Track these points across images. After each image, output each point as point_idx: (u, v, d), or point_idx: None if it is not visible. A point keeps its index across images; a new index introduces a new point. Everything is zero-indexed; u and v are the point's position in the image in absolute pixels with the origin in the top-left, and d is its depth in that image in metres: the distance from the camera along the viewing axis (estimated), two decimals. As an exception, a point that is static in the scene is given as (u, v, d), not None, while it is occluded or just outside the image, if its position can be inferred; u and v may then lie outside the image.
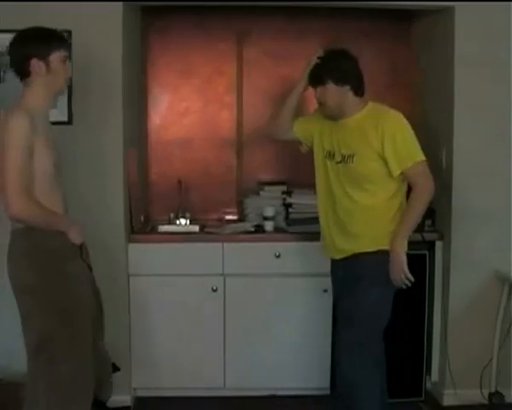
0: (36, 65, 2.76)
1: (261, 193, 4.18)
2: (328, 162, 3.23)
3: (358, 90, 3.16)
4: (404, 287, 3.09)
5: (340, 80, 3.12)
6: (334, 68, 3.15)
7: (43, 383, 2.76)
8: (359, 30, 4.24)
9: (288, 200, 4.05)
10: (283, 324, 3.89)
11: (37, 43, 2.77)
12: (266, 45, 4.38)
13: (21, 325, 2.80)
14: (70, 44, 2.89)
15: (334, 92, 3.14)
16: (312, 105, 3.44)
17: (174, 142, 4.43)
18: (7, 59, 2.91)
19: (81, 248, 2.89)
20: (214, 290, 3.85)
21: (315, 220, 3.95)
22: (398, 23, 4.32)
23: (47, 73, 2.78)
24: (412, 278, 3.06)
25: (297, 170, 4.41)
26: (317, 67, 3.25)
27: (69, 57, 2.90)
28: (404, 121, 3.11)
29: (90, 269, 2.97)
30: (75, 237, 2.83)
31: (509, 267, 3.74)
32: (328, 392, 3.96)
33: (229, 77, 4.41)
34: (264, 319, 3.89)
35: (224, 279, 3.86)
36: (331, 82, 3.13)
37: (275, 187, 4.19)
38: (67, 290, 2.77)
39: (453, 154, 3.78)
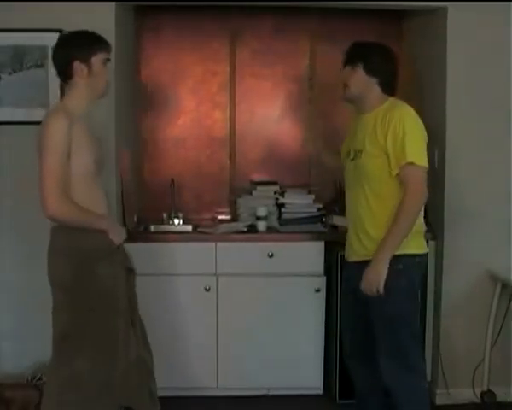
0: (78, 67, 2.79)
1: (254, 193, 4.17)
2: (348, 161, 3.15)
3: (387, 88, 3.07)
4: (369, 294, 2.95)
5: (370, 70, 3.04)
6: (369, 56, 3.06)
7: (56, 378, 2.78)
8: (351, 29, 4.21)
9: (281, 200, 4.06)
10: (276, 323, 3.89)
11: (79, 45, 2.81)
12: (259, 45, 4.39)
13: (52, 315, 2.83)
14: (110, 46, 2.91)
15: (361, 79, 3.05)
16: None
17: (167, 141, 4.43)
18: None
19: (119, 249, 2.90)
20: (207, 290, 3.85)
21: (307, 220, 4.01)
22: (390, 23, 4.33)
23: (89, 76, 2.81)
24: (382, 292, 2.91)
25: (290, 170, 4.43)
26: (353, 46, 3.14)
27: (109, 59, 2.91)
28: (414, 119, 2.99)
29: (131, 271, 2.97)
30: (115, 238, 2.85)
31: (502, 267, 3.76)
32: (320, 391, 3.98)
33: (222, 77, 4.42)
34: (256, 319, 3.88)
35: (217, 279, 3.86)
36: (361, 67, 3.05)
37: (267, 187, 4.18)
38: (98, 291, 2.78)
39: (446, 153, 3.79)
